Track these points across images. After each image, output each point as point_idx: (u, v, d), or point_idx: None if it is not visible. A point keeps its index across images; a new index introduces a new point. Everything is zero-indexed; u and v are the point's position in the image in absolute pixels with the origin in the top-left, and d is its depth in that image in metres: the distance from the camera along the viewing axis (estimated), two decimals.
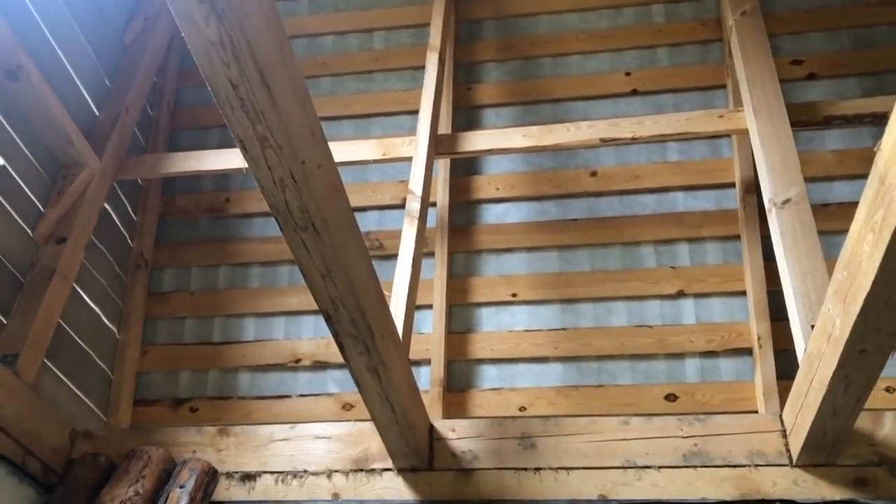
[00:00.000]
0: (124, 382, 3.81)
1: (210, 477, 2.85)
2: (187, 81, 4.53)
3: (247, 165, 1.65)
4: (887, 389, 3.27)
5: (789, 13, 4.01)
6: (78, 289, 3.58)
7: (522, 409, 3.56)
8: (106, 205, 3.79)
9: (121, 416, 3.75)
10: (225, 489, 2.93)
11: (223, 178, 4.27)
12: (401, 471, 2.85)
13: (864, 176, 1.68)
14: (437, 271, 3.82)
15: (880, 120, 3.18)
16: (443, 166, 4.00)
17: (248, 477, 2.94)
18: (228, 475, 2.96)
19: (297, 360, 3.83)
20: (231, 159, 3.66)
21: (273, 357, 3.87)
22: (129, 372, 3.86)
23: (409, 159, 3.46)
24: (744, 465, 2.68)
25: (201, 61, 1.43)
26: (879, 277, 1.79)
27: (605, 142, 3.38)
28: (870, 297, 1.86)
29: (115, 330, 3.89)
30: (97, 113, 3.82)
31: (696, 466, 2.71)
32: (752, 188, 3.62)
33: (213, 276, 4.12)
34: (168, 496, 2.71)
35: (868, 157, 3.51)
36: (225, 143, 4.22)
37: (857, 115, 3.22)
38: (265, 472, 2.95)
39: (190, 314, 4.05)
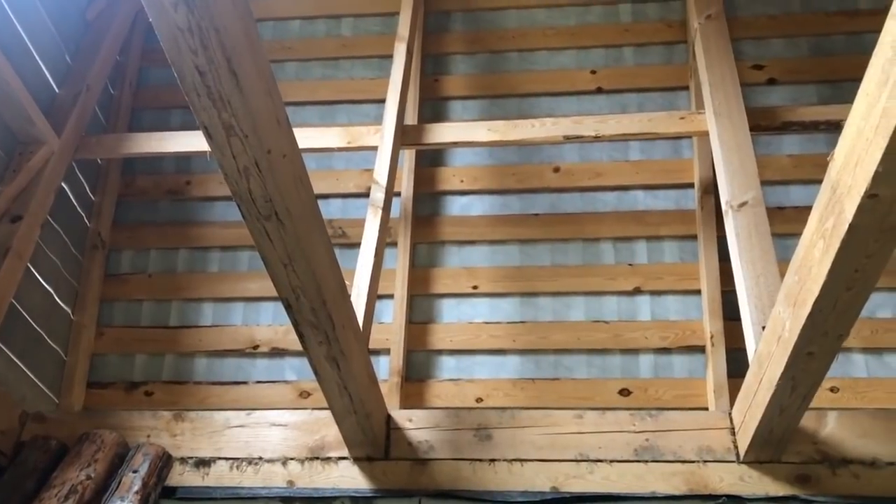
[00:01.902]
0: (78, 364, 3.76)
1: (164, 462, 2.83)
2: (150, 61, 4.46)
3: (211, 152, 1.64)
4: (832, 389, 3.37)
5: (752, 18, 4.09)
6: (32, 269, 3.52)
7: (479, 400, 3.60)
8: (63, 184, 3.72)
9: (73, 399, 3.70)
10: (179, 475, 2.91)
11: (184, 160, 4.22)
12: (357, 460, 2.86)
13: (819, 181, 1.73)
14: (399, 261, 3.83)
15: (835, 127, 3.27)
16: (408, 157, 4.00)
17: (203, 463, 2.93)
18: (183, 460, 2.94)
19: (255, 347, 3.81)
20: (193, 142, 3.62)
21: (231, 343, 3.84)
22: (83, 354, 3.80)
23: (375, 148, 3.46)
24: (693, 461, 2.75)
25: (168, 47, 1.42)
26: (828, 283, 1.85)
27: (568, 139, 3.42)
28: (818, 302, 1.92)
29: (69, 311, 3.83)
30: (57, 90, 3.75)
31: (647, 461, 2.77)
32: (711, 189, 3.69)
33: (171, 259, 4.07)
34: (121, 481, 2.69)
35: (823, 164, 3.61)
36: (187, 125, 4.17)
37: (813, 121, 3.30)
38: (220, 458, 2.94)
39: (147, 297, 4.00)
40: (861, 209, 1.63)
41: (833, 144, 1.74)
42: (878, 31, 1.45)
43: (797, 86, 3.95)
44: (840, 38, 4.01)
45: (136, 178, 4.24)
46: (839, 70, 3.92)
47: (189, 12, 1.35)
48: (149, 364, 3.88)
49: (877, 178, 1.54)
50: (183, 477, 2.91)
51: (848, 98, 3.89)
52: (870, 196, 1.59)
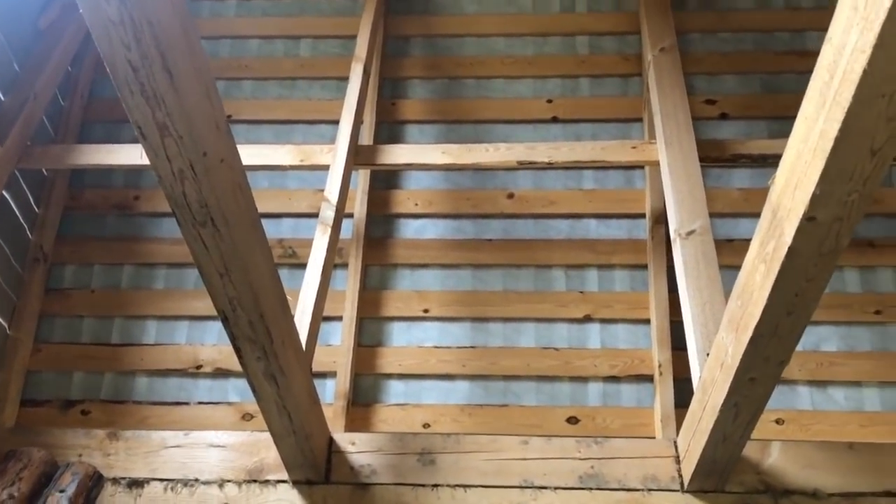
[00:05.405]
0: (12, 381, 3.62)
1: (94, 482, 2.72)
2: (103, 73, 4.38)
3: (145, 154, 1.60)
4: (777, 421, 3.39)
5: (706, 54, 4.16)
6: None
7: (426, 425, 3.54)
8: (5, 193, 3.62)
9: (5, 416, 3.56)
10: (111, 496, 2.80)
11: (134, 174, 4.14)
12: (296, 483, 2.78)
13: None
14: (350, 283, 3.77)
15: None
16: (362, 178, 3.98)
17: (136, 483, 2.82)
18: (115, 481, 2.83)
19: (199, 367, 3.72)
20: (143, 155, 3.54)
21: (174, 362, 3.74)
22: (18, 370, 3.67)
23: (327, 167, 3.42)
24: (638, 489, 2.72)
25: (100, 41, 1.38)
26: (769, 307, 1.85)
27: (522, 164, 3.42)
28: (760, 327, 1.92)
29: (5, 325, 3.70)
30: (2, 97, 3.65)
31: (591, 489, 2.73)
32: (662, 220, 3.71)
33: (116, 275, 3.97)
34: (46, 500, 2.57)
35: None
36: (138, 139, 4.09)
37: (761, 154, 3.35)
38: (154, 480, 2.83)
39: (89, 313, 3.88)
40: (800, 232, 1.63)
41: None
42: None
43: (748, 121, 4.02)
44: (790, 77, 4.10)
45: (84, 192, 4.14)
46: (790, 107, 3.99)
47: (121, 3, 1.31)
48: (87, 382, 3.75)
49: (814, 200, 1.55)
50: (115, 498, 2.80)
51: None
52: (808, 219, 1.60)
